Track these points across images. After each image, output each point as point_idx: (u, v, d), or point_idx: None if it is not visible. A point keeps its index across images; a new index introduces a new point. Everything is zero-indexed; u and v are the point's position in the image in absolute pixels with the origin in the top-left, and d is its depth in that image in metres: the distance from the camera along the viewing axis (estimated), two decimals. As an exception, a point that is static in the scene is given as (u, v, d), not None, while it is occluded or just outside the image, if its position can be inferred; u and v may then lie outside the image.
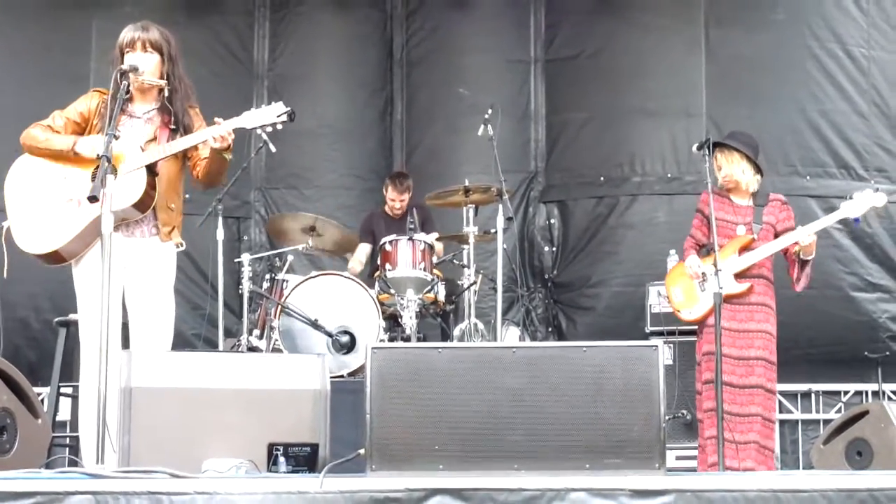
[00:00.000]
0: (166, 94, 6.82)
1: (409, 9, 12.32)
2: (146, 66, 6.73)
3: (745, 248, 8.03)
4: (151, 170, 6.63)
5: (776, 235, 8.09)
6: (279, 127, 6.75)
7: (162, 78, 6.80)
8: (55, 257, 6.70)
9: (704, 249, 8.22)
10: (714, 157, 8.15)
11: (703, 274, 8.07)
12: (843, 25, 11.17)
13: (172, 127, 6.78)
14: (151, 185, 6.62)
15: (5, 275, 6.69)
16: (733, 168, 8.16)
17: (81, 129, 6.83)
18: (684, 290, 8.19)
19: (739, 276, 7.96)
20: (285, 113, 6.70)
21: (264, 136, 9.34)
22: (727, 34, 11.29)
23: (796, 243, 7.99)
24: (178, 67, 6.89)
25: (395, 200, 10.74)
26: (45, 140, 6.77)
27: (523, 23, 12.10)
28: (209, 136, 6.59)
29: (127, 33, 6.81)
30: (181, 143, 6.67)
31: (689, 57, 11.33)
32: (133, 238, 6.70)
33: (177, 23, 10.92)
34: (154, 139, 6.75)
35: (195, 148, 6.77)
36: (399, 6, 12.32)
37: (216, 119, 6.66)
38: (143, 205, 6.59)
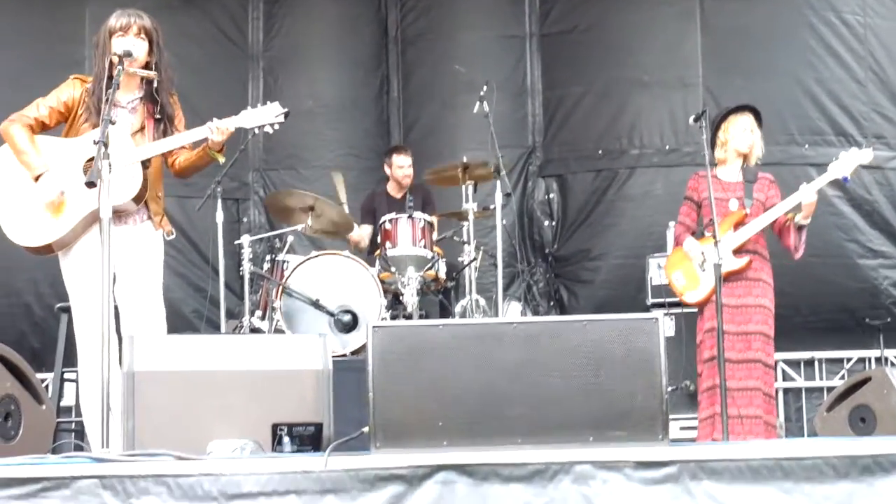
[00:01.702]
0: (155, 84, 6.81)
1: (404, -14, 12.32)
2: (138, 52, 6.71)
3: (738, 224, 8.02)
4: (145, 163, 6.65)
5: (765, 211, 8.08)
6: (276, 127, 6.77)
7: (149, 67, 6.78)
8: (45, 248, 6.70)
9: (699, 232, 8.22)
10: (731, 121, 8.15)
11: (703, 254, 8.06)
12: (836, -8, 11.16)
13: (157, 117, 6.76)
14: (146, 178, 6.65)
15: None
16: (755, 136, 8.17)
17: (65, 118, 6.78)
18: (685, 273, 8.18)
19: (736, 251, 7.97)
20: (283, 114, 6.74)
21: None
22: (722, 5, 11.30)
23: (788, 214, 7.99)
24: (165, 57, 6.87)
25: (404, 167, 10.74)
26: (20, 152, 6.68)
27: (518, -2, 12.11)
28: (208, 132, 6.60)
29: (120, 18, 6.74)
30: (182, 138, 6.67)
31: (684, 28, 11.32)
32: (126, 226, 6.70)
33: (171, 6, 10.98)
34: (142, 129, 6.74)
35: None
36: (393, -16, 12.32)
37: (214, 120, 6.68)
38: (140, 197, 6.61)
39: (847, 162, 8.03)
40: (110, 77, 6.35)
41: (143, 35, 6.74)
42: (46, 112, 6.77)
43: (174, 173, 6.97)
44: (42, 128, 6.80)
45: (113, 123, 6.14)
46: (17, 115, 6.79)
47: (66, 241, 6.62)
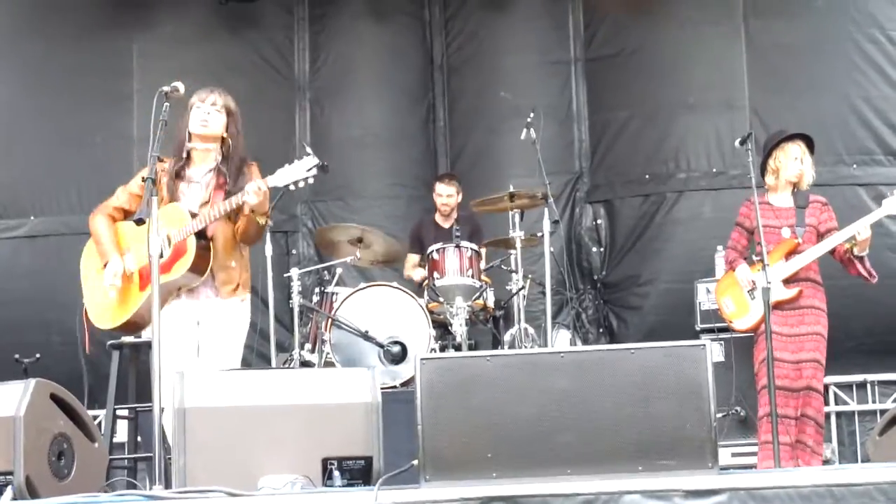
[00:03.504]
0: (221, 154, 6.94)
1: (448, 14, 12.36)
2: (214, 123, 6.89)
3: (790, 253, 7.99)
4: (201, 235, 6.73)
5: (819, 237, 8.06)
6: (310, 181, 6.78)
7: (224, 142, 6.93)
8: (132, 326, 6.87)
9: (749, 259, 8.20)
10: (784, 147, 8.13)
11: (754, 282, 8.03)
12: (881, 10, 11.06)
13: (228, 188, 6.86)
14: (204, 248, 6.75)
15: (87, 351, 6.89)
16: (805, 165, 8.14)
17: None
18: (735, 299, 8.18)
19: (787, 280, 7.94)
20: (315, 167, 6.73)
21: (307, 149, 9.44)
22: (767, 24, 11.24)
23: (845, 245, 7.96)
24: (239, 134, 6.98)
25: (443, 195, 10.77)
26: (97, 243, 6.96)
27: (561, 23, 12.11)
28: (245, 197, 6.65)
29: (201, 93, 6.92)
30: (219, 208, 6.75)
31: (729, 49, 11.28)
32: (198, 300, 6.88)
33: (217, 40, 11.12)
34: (208, 202, 6.86)
35: (241, 207, 6.82)
36: (437, 12, 12.35)
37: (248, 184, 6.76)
38: (199, 269, 6.73)
39: None
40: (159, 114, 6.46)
41: (220, 108, 6.86)
42: (126, 198, 7.01)
43: (240, 241, 7.03)
44: (124, 214, 7.02)
45: (161, 160, 6.30)
46: (101, 206, 7.06)
47: (147, 318, 6.73)
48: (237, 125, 6.98)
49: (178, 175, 6.87)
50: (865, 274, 8.07)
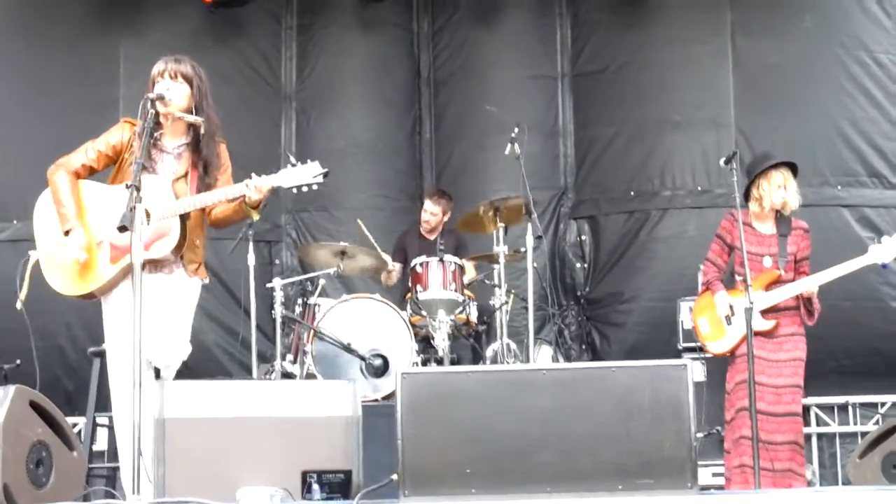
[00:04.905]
0: (202, 130, 6.81)
1: (436, 27, 12.35)
2: (177, 96, 6.71)
3: (771, 284, 7.97)
4: (184, 216, 6.66)
5: (795, 264, 8.04)
6: (314, 188, 6.76)
7: (192, 111, 6.78)
8: (90, 296, 6.73)
9: (729, 281, 8.16)
10: (768, 175, 8.09)
11: (731, 307, 8.01)
12: (869, 32, 11.10)
13: (203, 166, 6.77)
14: (185, 229, 6.66)
15: (19, 305, 6.70)
16: (789, 192, 8.08)
17: (113, 161, 6.77)
18: (710, 322, 8.14)
19: (765, 311, 7.91)
20: (322, 174, 6.72)
21: (292, 159, 9.43)
22: (754, 44, 11.26)
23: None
24: (208, 103, 6.85)
25: (427, 212, 10.79)
26: (58, 203, 6.67)
27: (549, 38, 12.12)
28: (246, 190, 6.58)
29: (159, 65, 6.78)
30: (219, 194, 6.66)
31: (716, 68, 11.30)
32: (159, 274, 6.70)
33: (204, 47, 11.05)
34: (185, 175, 6.75)
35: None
36: (425, 25, 12.35)
37: (252, 176, 6.65)
38: (178, 249, 6.64)
39: (890, 248, 7.93)
40: (146, 121, 6.40)
41: (180, 79, 6.75)
42: (94, 156, 6.78)
43: (210, 222, 6.97)
44: (90, 172, 6.81)
45: (145, 168, 6.21)
46: (65, 160, 6.81)
47: (106, 289, 6.64)
48: (203, 91, 6.82)
49: (151, 142, 6.70)
50: (805, 312, 8.03)
